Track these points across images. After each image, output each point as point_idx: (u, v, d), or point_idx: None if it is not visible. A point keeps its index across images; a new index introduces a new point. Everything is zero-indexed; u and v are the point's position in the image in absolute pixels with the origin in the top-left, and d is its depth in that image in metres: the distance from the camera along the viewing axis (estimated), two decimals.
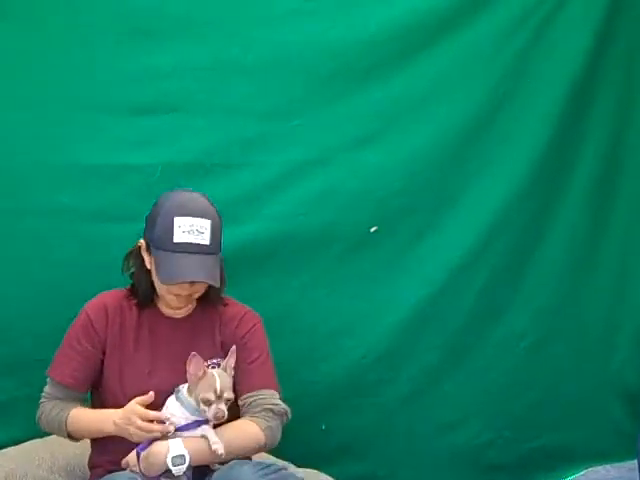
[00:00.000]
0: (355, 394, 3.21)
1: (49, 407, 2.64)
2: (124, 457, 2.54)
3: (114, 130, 3.00)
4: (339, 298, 3.17)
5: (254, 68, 3.05)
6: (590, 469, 3.57)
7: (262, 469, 2.43)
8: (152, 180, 2.95)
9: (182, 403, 2.52)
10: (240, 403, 2.64)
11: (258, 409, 2.61)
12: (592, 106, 3.25)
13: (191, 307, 2.72)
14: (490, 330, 3.29)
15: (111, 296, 2.72)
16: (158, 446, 2.47)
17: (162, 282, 2.58)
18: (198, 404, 2.49)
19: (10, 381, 3.05)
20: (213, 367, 2.62)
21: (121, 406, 2.53)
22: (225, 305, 2.74)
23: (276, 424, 2.62)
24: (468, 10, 3.13)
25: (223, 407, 2.48)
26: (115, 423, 2.51)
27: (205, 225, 2.57)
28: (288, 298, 3.13)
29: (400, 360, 3.23)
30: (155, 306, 2.71)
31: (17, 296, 3.02)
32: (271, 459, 2.89)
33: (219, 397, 2.48)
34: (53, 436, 2.72)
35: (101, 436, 2.59)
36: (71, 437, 2.64)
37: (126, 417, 2.49)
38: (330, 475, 2.86)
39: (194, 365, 2.51)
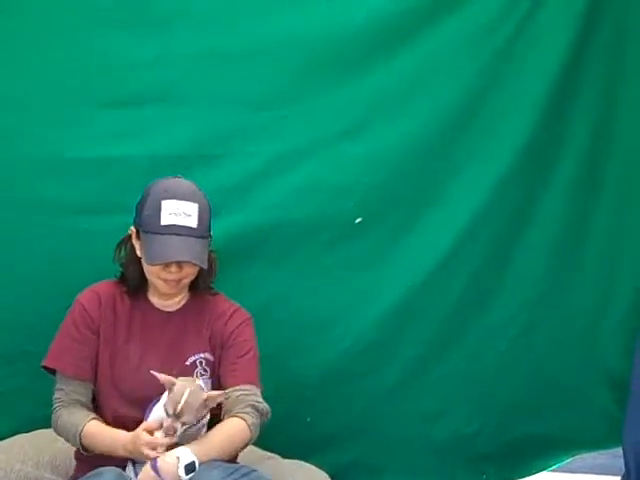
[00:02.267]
0: (342, 384, 3.21)
1: (66, 415, 2.61)
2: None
3: (98, 122, 2.99)
4: (325, 289, 3.17)
5: (239, 59, 3.04)
6: (577, 456, 3.59)
7: (231, 473, 2.44)
8: (137, 172, 2.93)
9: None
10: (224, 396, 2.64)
11: (243, 405, 2.61)
12: (576, 97, 3.24)
13: (182, 299, 2.73)
14: (476, 320, 3.29)
15: (103, 287, 2.73)
16: (167, 458, 2.46)
17: (148, 262, 2.61)
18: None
19: None
20: (200, 362, 2.64)
21: (111, 398, 2.55)
22: (214, 295, 2.75)
23: (259, 422, 2.63)
24: (451, 3, 3.11)
25: (177, 426, 2.45)
26: (125, 449, 2.52)
27: (192, 208, 2.60)
28: (274, 289, 3.13)
29: (386, 350, 3.23)
30: (147, 298, 2.72)
31: (4, 288, 3.01)
32: (257, 451, 2.90)
33: (177, 416, 2.45)
34: (38, 431, 2.72)
35: (116, 453, 2.56)
36: (85, 449, 2.62)
37: (133, 443, 2.49)
38: (317, 465, 2.86)
39: (164, 379, 2.50)
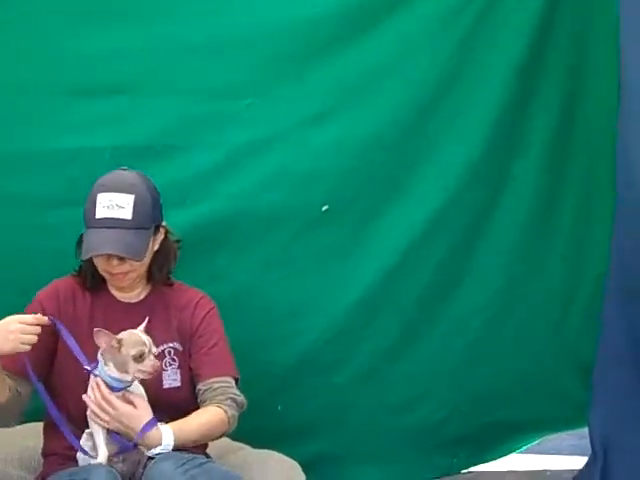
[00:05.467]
0: (311, 374, 3.22)
1: None
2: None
3: (61, 114, 2.96)
4: (293, 278, 3.17)
5: (203, 48, 3.02)
6: (545, 437, 3.63)
7: (183, 464, 2.43)
8: (102, 163, 2.90)
9: (100, 374, 2.50)
10: (201, 388, 2.64)
11: (223, 397, 2.62)
12: (544, 73, 3.24)
13: (143, 290, 2.71)
14: (444, 308, 3.30)
15: (63, 283, 2.71)
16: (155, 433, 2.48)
17: (79, 257, 2.61)
18: (124, 367, 2.47)
19: None
20: (169, 352, 2.64)
21: (77, 391, 2.51)
22: (171, 286, 2.73)
23: (237, 415, 2.64)
24: None
25: (154, 359, 2.48)
26: None
27: (127, 200, 2.58)
28: (242, 278, 3.13)
29: (355, 339, 3.24)
30: (108, 291, 2.70)
31: None
32: (228, 442, 2.90)
33: (150, 350, 2.47)
34: (5, 429, 2.70)
35: None
36: None
37: (5, 323, 2.48)
38: (288, 455, 2.86)
39: (103, 337, 2.48)
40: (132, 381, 2.51)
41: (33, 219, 2.97)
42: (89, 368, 2.52)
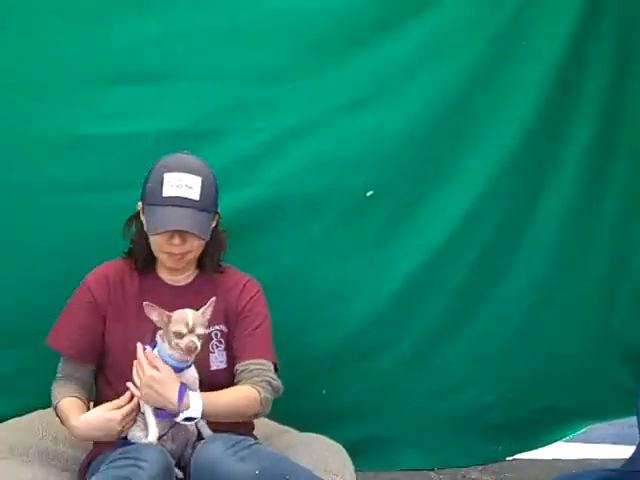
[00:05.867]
0: (354, 358, 3.21)
1: (56, 388, 2.64)
2: (127, 427, 2.54)
3: (104, 100, 2.97)
4: (335, 262, 3.16)
5: (244, 33, 3.02)
6: (590, 426, 3.60)
7: (233, 445, 2.43)
8: (144, 149, 2.91)
9: (159, 353, 2.52)
10: (239, 368, 2.65)
11: (259, 379, 2.62)
12: (588, 66, 3.23)
13: (191, 274, 2.72)
14: (490, 293, 3.29)
15: (112, 266, 2.72)
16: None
17: (149, 232, 2.62)
18: (170, 343, 2.48)
19: (10, 354, 3.04)
20: (216, 334, 2.65)
21: (126, 376, 2.53)
22: (222, 272, 2.74)
23: (271, 398, 2.64)
24: None
25: (195, 339, 2.48)
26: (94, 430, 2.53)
27: (195, 181, 2.61)
28: (284, 262, 3.13)
29: (400, 324, 3.23)
30: (156, 274, 2.71)
31: (13, 270, 3.00)
32: (273, 425, 2.90)
33: (191, 331, 2.48)
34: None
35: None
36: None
37: (106, 421, 2.51)
38: (333, 439, 2.86)
39: (154, 312, 2.51)
40: (190, 361, 2.51)
41: (78, 204, 2.98)
42: (149, 347, 2.53)
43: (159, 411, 2.50)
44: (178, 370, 2.51)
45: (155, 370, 2.50)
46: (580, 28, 3.18)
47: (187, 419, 2.48)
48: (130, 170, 2.85)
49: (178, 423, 2.50)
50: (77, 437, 2.59)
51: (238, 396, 2.60)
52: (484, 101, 3.20)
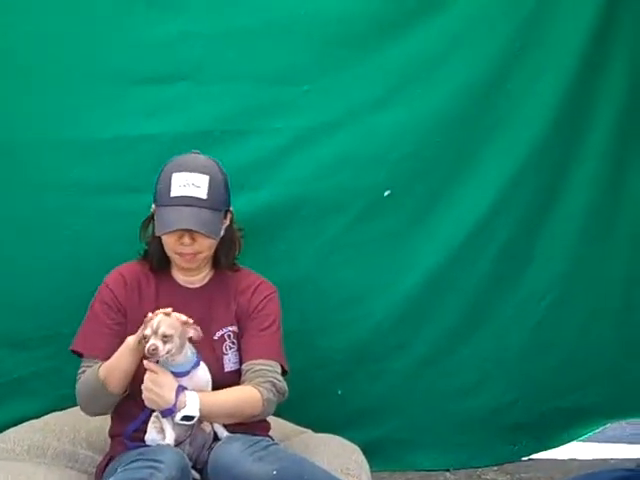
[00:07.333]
0: (372, 359, 3.21)
1: (83, 378, 2.64)
2: (144, 425, 2.56)
3: (123, 100, 2.99)
4: (354, 262, 3.16)
5: (264, 34, 3.03)
6: (608, 426, 3.59)
7: (250, 446, 2.45)
8: (164, 149, 2.91)
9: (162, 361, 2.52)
10: (244, 368, 2.65)
11: (263, 379, 2.62)
12: (611, 59, 3.20)
13: (206, 276, 2.73)
14: (508, 292, 3.28)
15: (128, 268, 2.74)
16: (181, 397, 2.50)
17: (157, 233, 2.64)
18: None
19: (33, 355, 3.06)
20: (229, 336, 2.66)
21: (140, 380, 2.54)
22: (236, 271, 2.75)
23: (275, 400, 2.63)
24: None
25: (157, 342, 2.45)
26: (129, 347, 2.54)
27: (202, 180, 2.62)
28: (303, 264, 3.13)
29: (418, 324, 3.23)
30: (171, 276, 2.73)
31: (36, 270, 3.03)
32: (290, 425, 2.91)
33: (155, 332, 2.46)
34: (73, 408, 2.73)
35: (129, 363, 2.56)
36: (106, 388, 2.58)
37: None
38: (349, 439, 2.87)
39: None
40: (189, 363, 2.52)
41: (95, 205, 3.00)
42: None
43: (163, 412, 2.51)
44: (180, 375, 2.52)
45: (152, 373, 2.52)
46: (604, 14, 3.15)
47: (185, 418, 2.49)
48: (147, 172, 2.85)
49: (198, 428, 2.52)
50: (103, 378, 2.56)
51: (238, 396, 2.60)
52: (505, 98, 3.17)
